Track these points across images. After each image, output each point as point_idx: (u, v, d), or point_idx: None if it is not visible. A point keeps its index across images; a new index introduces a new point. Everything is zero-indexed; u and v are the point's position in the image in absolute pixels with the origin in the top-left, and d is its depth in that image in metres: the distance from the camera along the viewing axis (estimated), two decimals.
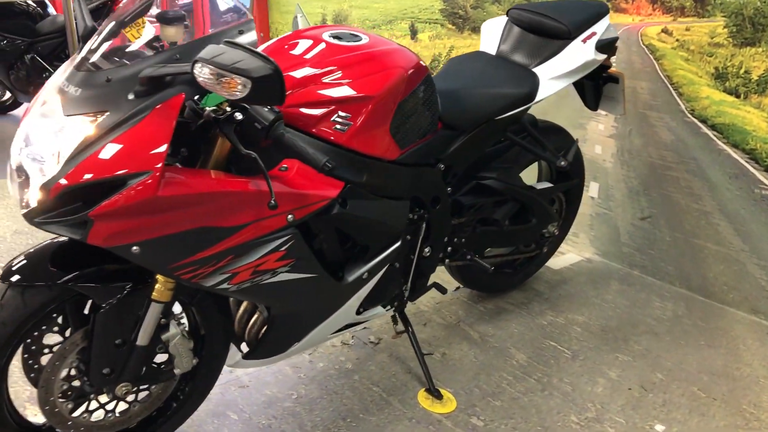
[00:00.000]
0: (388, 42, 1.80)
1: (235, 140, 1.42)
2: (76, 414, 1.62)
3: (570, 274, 2.86)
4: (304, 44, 1.72)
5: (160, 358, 1.67)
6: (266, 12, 5.06)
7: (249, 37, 1.45)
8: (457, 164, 2.06)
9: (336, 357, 2.28)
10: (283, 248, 1.54)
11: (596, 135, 2.87)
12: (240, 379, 2.15)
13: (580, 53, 2.18)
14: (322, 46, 1.70)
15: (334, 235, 1.71)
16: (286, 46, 1.72)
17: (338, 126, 1.60)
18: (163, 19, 1.61)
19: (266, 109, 1.42)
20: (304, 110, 1.58)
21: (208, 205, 1.39)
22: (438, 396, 2.08)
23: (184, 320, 1.70)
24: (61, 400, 1.58)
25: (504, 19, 2.35)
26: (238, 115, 1.42)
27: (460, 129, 2.00)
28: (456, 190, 2.19)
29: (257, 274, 1.54)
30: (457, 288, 2.69)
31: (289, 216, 1.51)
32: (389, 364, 2.24)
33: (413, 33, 3.70)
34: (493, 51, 2.30)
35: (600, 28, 2.24)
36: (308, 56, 1.66)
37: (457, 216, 2.15)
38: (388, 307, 2.06)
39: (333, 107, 1.59)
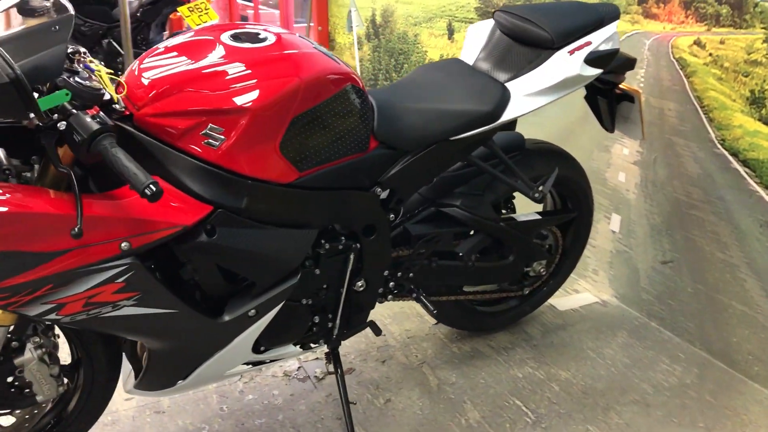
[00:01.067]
0: (301, 45, 1.56)
1: (53, 153, 1.24)
2: None
3: (574, 318, 2.48)
4: (199, 44, 1.51)
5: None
6: (326, 5, 4.90)
7: (61, 36, 1.25)
8: (403, 189, 1.78)
9: (270, 390, 2.07)
10: (120, 280, 1.34)
11: (620, 160, 2.47)
12: (160, 404, 2.00)
13: (562, 67, 1.83)
14: (214, 47, 1.49)
15: (211, 267, 1.49)
16: (182, 44, 1.52)
17: (209, 141, 1.39)
18: None
19: (89, 119, 1.22)
20: (169, 120, 1.37)
21: (14, 226, 1.22)
22: None
23: (49, 342, 1.55)
24: None
25: (491, 22, 2.03)
26: (62, 125, 1.23)
27: (403, 149, 1.72)
28: (405, 218, 1.91)
29: (93, 306, 1.35)
30: (437, 323, 2.40)
31: (123, 244, 1.31)
32: (322, 406, 2.00)
33: (450, 32, 3.40)
34: (472, 59, 1.98)
35: (597, 38, 1.87)
36: (194, 58, 1.45)
37: (404, 247, 1.87)
38: (313, 344, 1.82)
39: (203, 119, 1.38)
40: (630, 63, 2.05)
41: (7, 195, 1.23)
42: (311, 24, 4.97)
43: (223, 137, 1.39)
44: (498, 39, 1.96)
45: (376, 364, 2.20)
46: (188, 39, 1.53)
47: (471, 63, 1.98)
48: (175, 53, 1.48)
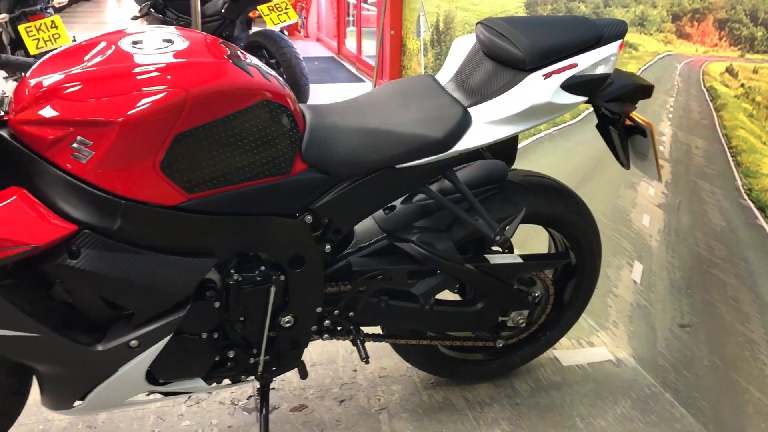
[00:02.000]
0: (212, 55, 1.41)
1: None
2: None
3: (576, 377, 2.17)
4: (94, 48, 1.40)
5: None
6: (400, 9, 4.75)
7: None
8: (340, 219, 1.59)
9: (209, 417, 1.94)
10: None
11: (646, 200, 2.13)
12: (94, 419, 1.92)
13: (530, 93, 1.56)
14: (110, 51, 1.37)
15: (82, 291, 1.37)
16: (80, 47, 1.41)
17: (77, 154, 1.27)
18: None
19: None
20: (39, 129, 1.27)
21: None
22: None
23: None
24: None
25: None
26: None
27: (337, 175, 1.53)
28: (355, 249, 1.71)
29: None
30: None
31: None
32: None
33: None
34: (447, 77, 1.75)
35: (586, 60, 1.59)
36: (78, 64, 1.34)
37: (345, 282, 1.68)
38: (233, 380, 1.66)
39: (71, 130, 1.26)
40: (644, 90, 1.73)
41: None
42: (383, 28, 4.83)
43: (91, 151, 1.27)
44: (475, 56, 1.71)
45: (332, 404, 2.01)
46: (89, 42, 1.43)
47: (444, 82, 1.75)
48: (69, 57, 1.38)
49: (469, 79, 1.68)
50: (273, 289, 1.57)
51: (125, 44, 1.39)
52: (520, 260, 1.85)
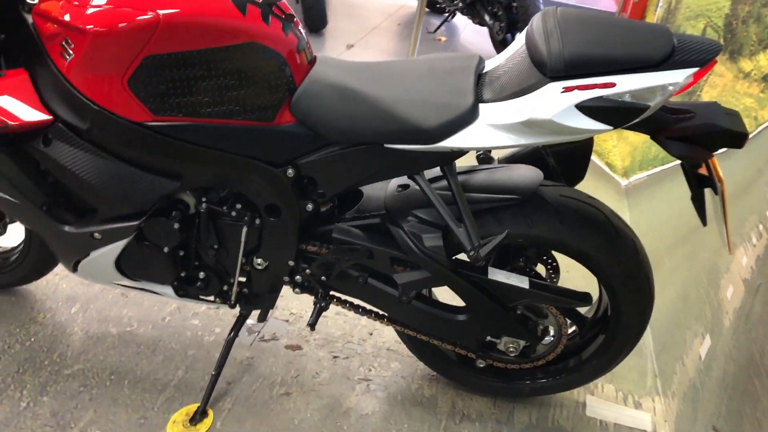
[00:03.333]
0: None
1: None
2: None
3: (591, 430, 1.91)
4: None
5: None
6: None
7: None
8: (324, 182, 1.55)
9: (215, 326, 2.07)
10: None
11: (737, 269, 1.73)
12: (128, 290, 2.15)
13: (537, 104, 1.32)
14: None
15: (56, 175, 1.53)
16: None
17: (64, 53, 1.39)
18: None
19: None
20: (45, 22, 1.40)
21: None
22: (200, 419, 1.74)
23: None
24: None
25: None
26: None
27: (324, 137, 1.48)
28: (352, 216, 1.66)
29: None
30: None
31: None
32: (199, 361, 1.93)
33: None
34: (495, 63, 1.55)
35: (629, 83, 1.29)
36: None
37: (324, 245, 1.64)
38: (206, 298, 1.75)
39: (62, 30, 1.38)
40: (731, 137, 1.38)
41: None
42: None
43: (72, 54, 1.38)
44: (520, 47, 1.48)
45: (326, 356, 2.02)
46: None
47: (488, 68, 1.55)
48: None
49: (504, 72, 1.47)
50: (245, 230, 1.59)
51: None
52: (525, 285, 1.63)
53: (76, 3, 1.37)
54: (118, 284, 1.74)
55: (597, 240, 1.57)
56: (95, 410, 1.73)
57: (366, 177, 1.54)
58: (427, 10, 6.32)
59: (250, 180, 1.54)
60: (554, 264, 1.78)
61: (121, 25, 1.33)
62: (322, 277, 1.69)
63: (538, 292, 1.64)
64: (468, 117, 1.40)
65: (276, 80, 1.44)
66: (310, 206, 1.58)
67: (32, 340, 1.91)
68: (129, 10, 1.34)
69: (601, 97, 1.29)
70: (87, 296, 2.09)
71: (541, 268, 1.77)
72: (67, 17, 1.36)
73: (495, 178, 1.60)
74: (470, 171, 1.65)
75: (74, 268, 1.69)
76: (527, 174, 1.60)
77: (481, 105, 1.42)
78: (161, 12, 1.33)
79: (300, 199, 1.57)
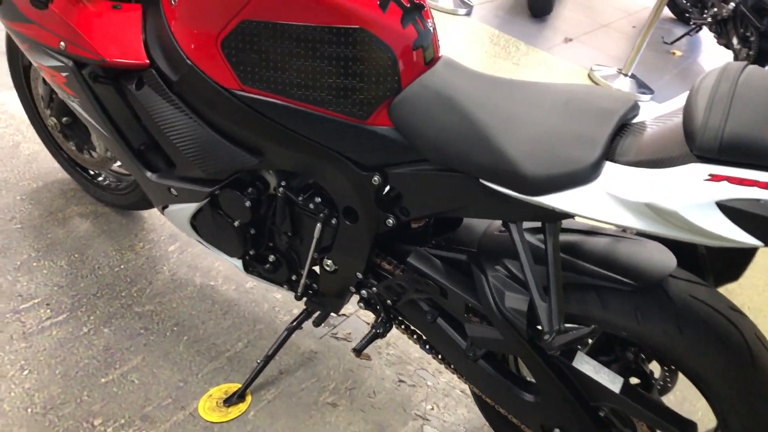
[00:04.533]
0: None
1: None
2: None
3: None
4: None
5: None
6: None
7: None
8: (410, 199, 1.35)
9: (263, 297, 1.97)
10: (63, 74, 1.47)
11: None
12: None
13: (666, 186, 1.00)
14: None
15: (145, 123, 1.48)
16: None
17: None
18: None
19: None
20: None
21: None
22: (236, 401, 1.66)
23: None
24: None
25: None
26: None
27: (419, 151, 1.28)
28: (439, 242, 1.45)
29: (55, 86, 1.53)
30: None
31: (61, 43, 1.41)
32: (263, 339, 1.83)
33: None
34: (652, 113, 1.23)
35: None
36: None
37: (398, 266, 1.46)
38: (275, 282, 1.65)
39: None
40: None
41: None
42: None
43: (176, 2, 1.29)
44: (679, 104, 1.15)
45: (377, 358, 1.84)
46: None
47: (642, 116, 1.23)
48: None
49: (650, 129, 1.15)
50: (319, 226, 1.45)
51: None
52: (616, 388, 1.32)
53: None
54: (198, 241, 1.68)
55: (721, 365, 1.22)
56: (144, 357, 1.70)
57: (456, 208, 1.31)
58: (671, 17, 5.67)
59: (332, 176, 1.38)
60: (673, 367, 1.44)
61: None
62: (389, 300, 1.50)
63: (631, 402, 1.31)
64: (584, 175, 1.11)
65: (379, 76, 1.25)
66: (391, 221, 1.39)
67: (121, 267, 1.94)
68: None
69: (758, 201, 0.95)
70: (188, 238, 2.08)
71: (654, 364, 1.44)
72: None
73: (614, 250, 1.29)
74: (586, 232, 1.35)
75: (162, 211, 1.66)
76: (657, 256, 1.27)
77: (607, 164, 1.12)
78: None
79: (381, 210, 1.39)
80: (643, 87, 4.18)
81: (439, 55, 1.37)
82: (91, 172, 2.08)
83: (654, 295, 1.23)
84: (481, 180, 1.21)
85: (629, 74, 4.19)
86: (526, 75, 3.89)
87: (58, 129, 1.88)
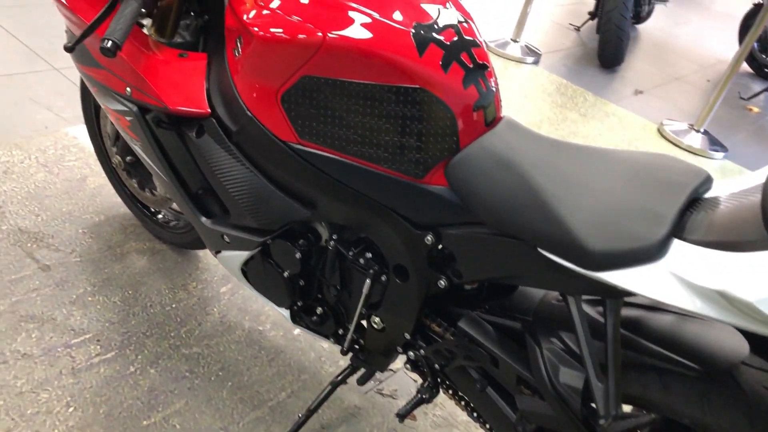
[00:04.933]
0: (405, 13, 1.22)
1: None
2: None
3: None
4: None
5: None
6: None
7: None
8: (463, 262, 1.31)
9: (310, 346, 1.94)
10: (127, 117, 1.49)
11: None
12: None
13: (744, 276, 0.92)
14: None
15: (202, 170, 1.49)
16: None
17: (235, 49, 1.33)
18: None
19: None
20: (232, 15, 1.35)
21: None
22: None
23: None
24: None
25: None
26: None
27: (475, 214, 1.24)
28: (494, 308, 1.40)
29: (121, 129, 1.56)
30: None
31: (128, 88, 1.43)
32: (308, 390, 1.79)
33: None
34: (727, 189, 1.15)
35: None
36: None
37: (448, 328, 1.41)
38: (322, 335, 1.62)
39: (240, 27, 1.31)
40: None
41: None
42: None
43: (240, 53, 1.30)
44: (757, 180, 1.07)
45: (421, 415, 1.77)
46: None
47: (715, 192, 1.16)
48: None
49: (724, 207, 1.08)
50: (368, 282, 1.41)
51: None
52: None
53: (261, 2, 1.28)
54: (248, 288, 1.67)
55: None
56: (187, 402, 1.69)
57: (511, 275, 1.25)
58: (749, 71, 5.50)
59: (385, 232, 1.35)
60: None
61: (285, 36, 1.21)
62: (436, 365, 1.45)
63: None
64: (650, 253, 1.04)
65: (438, 136, 1.22)
66: (442, 282, 1.34)
67: (173, 306, 1.94)
68: (298, 23, 1.21)
69: None
70: None
71: None
72: (245, 15, 1.28)
73: (680, 330, 1.21)
74: (650, 308, 1.27)
75: (215, 255, 1.66)
76: (728, 341, 1.18)
77: (675, 242, 1.05)
78: (328, 33, 1.18)
79: (433, 270, 1.34)
80: (716, 144, 4.03)
81: (501, 115, 1.33)
82: (151, 210, 2.11)
83: (723, 383, 1.14)
84: (538, 249, 1.16)
85: (702, 130, 4.05)
86: (593, 127, 3.81)
87: (122, 167, 1.92)
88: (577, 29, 5.43)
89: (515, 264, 1.22)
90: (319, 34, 1.18)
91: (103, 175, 2.33)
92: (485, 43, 4.51)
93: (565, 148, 1.27)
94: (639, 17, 5.33)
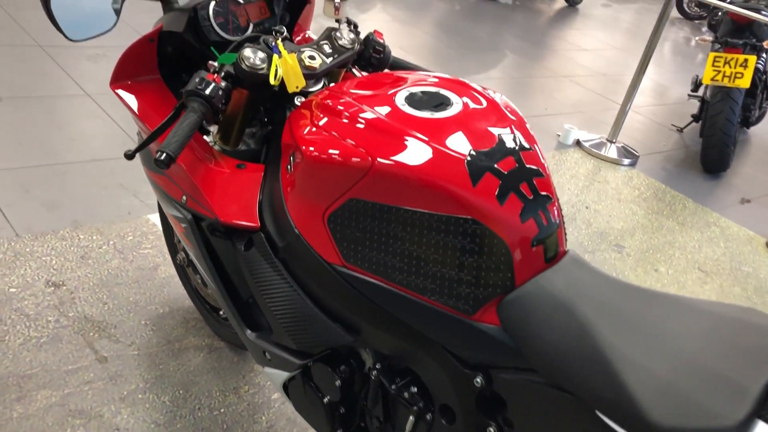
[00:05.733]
0: (455, 142, 1.15)
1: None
2: None
3: None
4: (378, 84, 1.32)
5: None
6: None
7: None
8: (515, 412, 1.18)
9: None
10: (183, 224, 1.48)
11: None
12: None
13: None
14: (379, 92, 1.28)
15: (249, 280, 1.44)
16: (375, 80, 1.36)
17: (289, 166, 1.29)
18: None
19: (199, 80, 1.30)
20: (289, 130, 1.33)
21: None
22: None
23: None
24: None
25: None
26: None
27: (529, 360, 1.12)
28: None
29: (180, 236, 1.55)
30: None
31: (183, 196, 1.42)
32: None
33: None
34: None
35: None
36: (357, 94, 1.30)
37: None
38: None
39: (293, 142, 1.28)
40: None
41: None
42: None
43: (292, 169, 1.26)
44: None
45: None
46: (381, 79, 1.34)
47: None
48: (364, 84, 1.34)
49: None
50: (412, 419, 1.30)
51: (400, 94, 1.25)
52: None
53: (319, 120, 1.24)
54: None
55: None
56: None
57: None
58: None
59: (431, 368, 1.24)
60: None
61: (334, 157, 1.16)
62: None
63: None
64: None
65: (491, 271, 1.12)
66: (492, 430, 1.21)
67: (221, 410, 1.88)
68: (348, 146, 1.16)
69: None
70: None
71: None
72: (300, 132, 1.25)
73: None
74: None
75: (261, 366, 1.59)
76: None
77: (759, 425, 0.89)
78: (377, 158, 1.12)
79: (482, 415, 1.21)
80: None
81: (566, 249, 1.21)
82: (213, 306, 2.08)
83: None
84: (596, 411, 1.01)
85: None
86: (691, 237, 3.56)
87: (185, 263, 1.91)
88: (680, 130, 5.21)
89: (569, 422, 1.08)
90: (369, 157, 1.12)
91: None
92: (580, 142, 4.38)
93: (636, 293, 1.13)
94: (748, 121, 5.04)
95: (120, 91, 1.52)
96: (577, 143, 4.41)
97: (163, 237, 2.49)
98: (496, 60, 5.83)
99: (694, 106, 5.15)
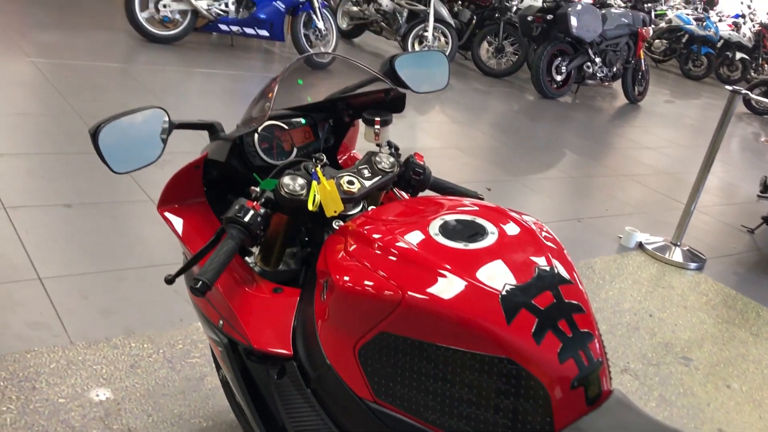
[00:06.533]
0: (490, 277, 1.11)
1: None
2: None
3: None
4: (412, 213, 1.31)
5: None
6: None
7: None
8: None
9: None
10: (219, 348, 1.47)
11: None
12: None
13: None
14: (412, 220, 1.26)
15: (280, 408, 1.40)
16: (412, 208, 1.35)
17: (323, 292, 1.28)
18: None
19: (238, 207, 1.33)
20: (323, 256, 1.32)
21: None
22: None
23: None
24: None
25: None
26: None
27: None
28: None
29: (216, 355, 1.54)
30: None
31: (220, 321, 1.42)
32: None
33: None
34: None
35: None
36: (389, 224, 1.28)
37: None
38: None
39: (326, 269, 1.27)
40: None
41: None
42: None
43: (325, 297, 1.24)
44: None
45: None
46: (415, 206, 1.32)
47: None
48: (393, 211, 1.33)
49: None
50: None
51: (434, 223, 1.23)
52: None
53: (352, 248, 1.23)
54: None
55: None
56: None
57: None
58: None
59: None
60: None
61: (365, 289, 1.14)
62: None
63: None
64: None
65: (527, 414, 1.05)
66: None
67: None
68: (380, 277, 1.13)
69: None
70: None
71: None
72: (333, 258, 1.24)
73: None
74: None
75: None
76: None
77: None
78: (408, 291, 1.09)
79: None
80: None
81: (611, 389, 1.13)
82: None
83: None
84: None
85: None
86: (767, 350, 3.34)
87: (226, 380, 1.89)
88: (751, 232, 5.00)
89: None
90: (399, 291, 1.10)
91: None
92: (642, 245, 4.25)
93: None
94: None
95: (167, 214, 1.56)
96: (640, 246, 4.27)
97: (210, 347, 2.49)
98: (554, 159, 5.81)
99: (765, 206, 4.97)
